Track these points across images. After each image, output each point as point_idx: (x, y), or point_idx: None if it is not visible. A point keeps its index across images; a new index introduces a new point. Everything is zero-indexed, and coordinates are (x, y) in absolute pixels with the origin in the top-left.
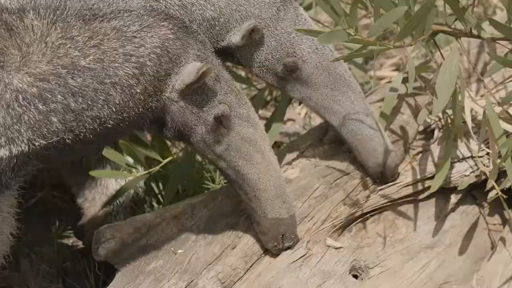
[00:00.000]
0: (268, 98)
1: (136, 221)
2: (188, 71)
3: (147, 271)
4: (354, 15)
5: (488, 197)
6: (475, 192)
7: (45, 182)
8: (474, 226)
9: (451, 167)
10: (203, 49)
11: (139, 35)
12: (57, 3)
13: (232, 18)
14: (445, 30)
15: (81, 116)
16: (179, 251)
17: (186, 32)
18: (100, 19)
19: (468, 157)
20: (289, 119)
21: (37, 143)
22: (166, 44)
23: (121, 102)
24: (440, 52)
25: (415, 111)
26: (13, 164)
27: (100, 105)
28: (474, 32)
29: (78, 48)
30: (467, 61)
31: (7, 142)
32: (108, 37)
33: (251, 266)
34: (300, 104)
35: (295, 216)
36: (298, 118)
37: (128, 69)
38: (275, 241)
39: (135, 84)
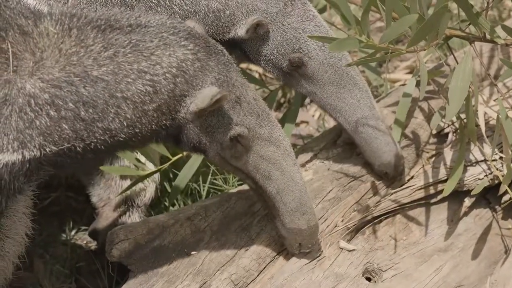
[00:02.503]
0: (282, 100)
1: (149, 222)
2: (203, 96)
3: (160, 272)
4: (365, 22)
5: (502, 201)
6: (488, 195)
7: (61, 182)
8: (487, 230)
9: (465, 171)
10: (224, 71)
11: (156, 52)
12: (74, 11)
13: (237, 11)
14: (458, 34)
15: (91, 126)
16: (193, 252)
17: (208, 53)
18: (118, 31)
19: (481, 161)
20: (302, 121)
21: (48, 149)
22: (183, 65)
23: (133, 117)
24: (454, 56)
25: (428, 115)
26: (25, 169)
27: (110, 118)
28: (488, 36)
29: (92, 58)
30: (479, 65)
31: (20, 146)
32: (123, 50)
33: (264, 268)
34: (310, 101)
35: (316, 226)
36: (312, 120)
37: (141, 85)
38: (291, 247)
39: (148, 102)
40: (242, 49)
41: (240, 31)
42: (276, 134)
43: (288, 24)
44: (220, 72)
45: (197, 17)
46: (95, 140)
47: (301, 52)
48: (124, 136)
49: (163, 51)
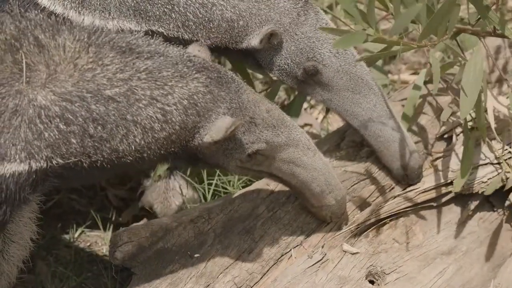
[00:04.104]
0: (286, 102)
1: (153, 224)
2: (217, 128)
3: (164, 275)
4: (371, 13)
5: (506, 204)
6: (492, 198)
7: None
8: (491, 233)
9: (470, 173)
10: (236, 98)
11: (170, 82)
12: (94, 28)
13: (251, 21)
14: (468, 29)
15: (99, 144)
16: (196, 255)
17: (219, 83)
18: (136, 55)
19: (486, 164)
20: (306, 124)
21: (55, 161)
22: (195, 97)
23: (142, 142)
24: (463, 53)
25: (437, 112)
26: (32, 179)
27: (119, 139)
28: (498, 31)
29: (107, 77)
30: (486, 62)
31: (27, 157)
32: (139, 75)
33: (267, 271)
34: (312, 99)
35: (344, 198)
36: (315, 123)
37: (152, 113)
38: (322, 219)
39: (158, 129)
40: (255, 59)
41: (254, 41)
42: (293, 135)
43: (302, 34)
44: (231, 101)
45: (211, 25)
46: (102, 159)
47: (315, 60)
48: (131, 158)
49: (176, 82)
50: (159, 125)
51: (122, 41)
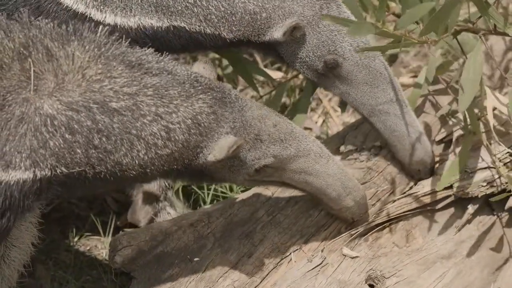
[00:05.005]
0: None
1: (152, 228)
2: (220, 147)
3: (163, 279)
4: (382, 9)
5: (506, 207)
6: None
7: None
8: (491, 237)
9: (468, 178)
10: (239, 117)
11: (175, 101)
12: (104, 40)
13: (274, 14)
14: (468, 27)
15: (103, 155)
16: (195, 259)
17: (223, 103)
18: (145, 70)
19: (485, 168)
20: (305, 128)
21: (59, 170)
22: (198, 117)
23: (145, 157)
24: (463, 51)
25: (437, 111)
26: (36, 188)
27: (123, 152)
28: (499, 29)
29: (114, 90)
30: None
31: (32, 165)
32: (145, 91)
33: (267, 275)
34: (318, 89)
35: (363, 198)
36: (315, 127)
37: (156, 129)
38: (343, 219)
39: (161, 146)
40: (276, 52)
41: (277, 33)
42: (302, 146)
43: (324, 26)
44: (235, 120)
45: (233, 18)
46: (105, 170)
47: (336, 54)
48: (134, 173)
49: (182, 101)
50: (162, 142)
51: (132, 56)
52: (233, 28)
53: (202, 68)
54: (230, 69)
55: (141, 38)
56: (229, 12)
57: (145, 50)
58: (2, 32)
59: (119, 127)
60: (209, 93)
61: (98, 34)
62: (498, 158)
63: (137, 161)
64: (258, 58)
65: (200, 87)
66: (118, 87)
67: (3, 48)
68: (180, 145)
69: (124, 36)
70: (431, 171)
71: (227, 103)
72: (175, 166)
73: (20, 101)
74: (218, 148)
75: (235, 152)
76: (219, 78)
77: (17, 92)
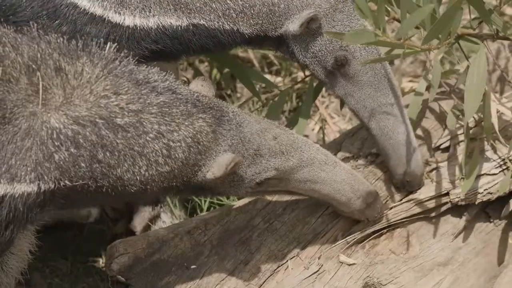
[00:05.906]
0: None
1: (149, 236)
2: (218, 165)
3: (160, 286)
4: (381, 15)
5: (502, 214)
6: (488, 209)
7: None
8: (487, 244)
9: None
10: (237, 134)
11: (177, 120)
12: (113, 57)
13: (292, 5)
14: (470, 33)
15: (106, 170)
16: (192, 266)
17: (221, 122)
18: (151, 88)
19: (482, 174)
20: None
21: (63, 183)
22: (198, 136)
23: (146, 174)
24: (466, 57)
25: (440, 117)
26: (39, 200)
27: (125, 168)
28: (501, 34)
29: (119, 106)
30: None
31: (37, 178)
32: (149, 109)
33: (264, 282)
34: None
35: (376, 199)
36: (312, 134)
37: (157, 147)
38: (359, 219)
39: (162, 163)
40: (289, 46)
41: (293, 25)
42: (305, 156)
43: (338, 20)
44: (233, 137)
45: (252, 11)
46: (108, 184)
47: (347, 51)
48: (135, 188)
49: (183, 120)
50: (163, 160)
51: (140, 74)
52: (251, 21)
53: (201, 86)
54: (228, 74)
55: (161, 38)
56: (247, 5)
57: (151, 69)
58: (10, 46)
59: (123, 143)
60: (208, 112)
61: (107, 51)
62: (509, 159)
63: (138, 177)
64: (255, 63)
65: (201, 106)
66: (124, 103)
67: (11, 61)
68: (180, 163)
69: (143, 39)
70: (419, 184)
71: (225, 121)
72: (175, 183)
73: (27, 114)
74: (216, 166)
75: (234, 169)
76: (219, 84)
77: (24, 106)
